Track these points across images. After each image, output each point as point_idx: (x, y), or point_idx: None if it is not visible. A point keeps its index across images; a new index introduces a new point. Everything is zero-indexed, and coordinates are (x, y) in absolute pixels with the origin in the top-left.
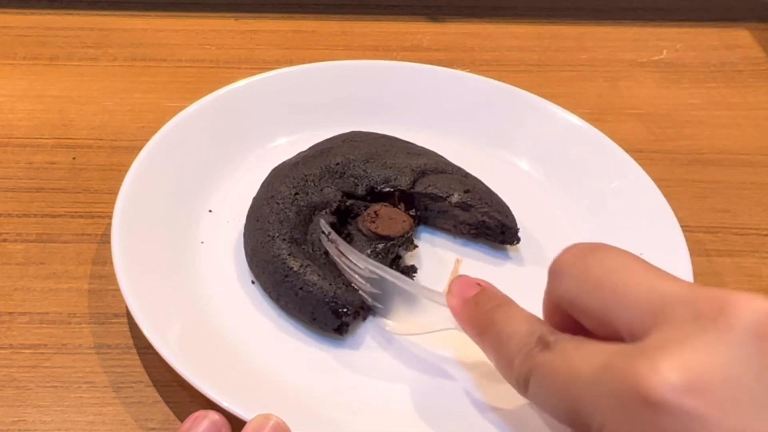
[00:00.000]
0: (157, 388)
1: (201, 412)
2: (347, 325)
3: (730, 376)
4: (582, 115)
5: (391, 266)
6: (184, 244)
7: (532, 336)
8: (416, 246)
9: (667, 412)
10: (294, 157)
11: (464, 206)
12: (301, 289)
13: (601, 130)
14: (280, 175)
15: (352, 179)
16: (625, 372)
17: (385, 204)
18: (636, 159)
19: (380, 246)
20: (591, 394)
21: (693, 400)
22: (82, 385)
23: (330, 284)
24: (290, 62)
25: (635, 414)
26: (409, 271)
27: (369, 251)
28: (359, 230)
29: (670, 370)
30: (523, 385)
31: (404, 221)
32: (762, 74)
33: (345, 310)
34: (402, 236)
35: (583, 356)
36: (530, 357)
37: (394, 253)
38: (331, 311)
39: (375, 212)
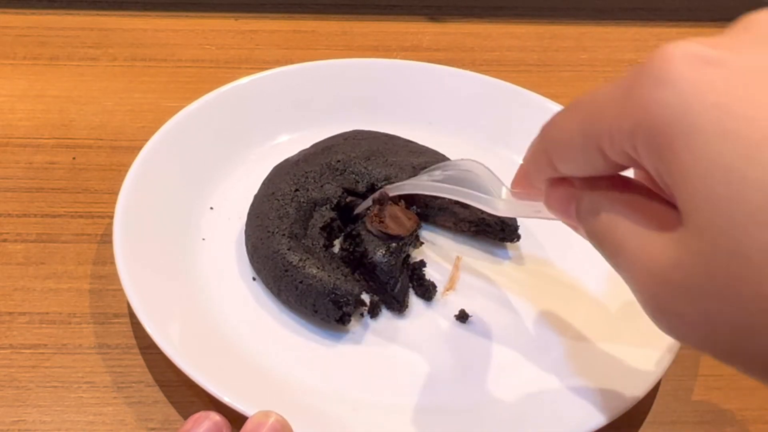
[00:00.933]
0: (157, 388)
1: (202, 413)
2: (349, 315)
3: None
4: None
5: (402, 264)
6: (185, 242)
7: None
8: (422, 243)
9: (670, 75)
10: (296, 154)
11: (464, 204)
12: (301, 282)
13: None
14: (281, 172)
15: (353, 176)
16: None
17: (389, 202)
18: None
19: (393, 245)
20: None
21: (706, 68)
22: (82, 385)
23: (329, 276)
24: (290, 62)
25: (640, 85)
26: (420, 266)
27: (383, 251)
28: (369, 231)
29: (692, 41)
30: None
31: (410, 219)
32: None
33: (345, 300)
34: (411, 234)
35: None
36: None
37: (405, 252)
38: (332, 302)
39: (380, 212)
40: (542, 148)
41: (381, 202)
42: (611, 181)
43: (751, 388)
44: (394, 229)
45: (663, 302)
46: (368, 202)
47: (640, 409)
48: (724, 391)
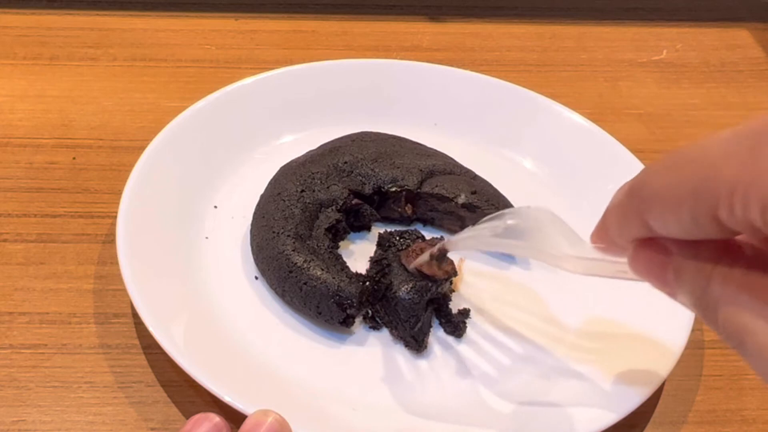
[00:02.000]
0: (157, 387)
1: (201, 415)
2: (353, 317)
3: None
4: (582, 115)
5: (426, 304)
6: (188, 240)
7: None
8: (453, 290)
9: None
10: (303, 155)
11: (471, 207)
12: (305, 284)
13: (602, 130)
14: (287, 172)
15: (360, 178)
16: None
17: (429, 243)
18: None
19: (420, 284)
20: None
21: None
22: (82, 385)
23: (334, 278)
24: (290, 62)
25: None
26: (446, 302)
27: (409, 287)
28: (401, 265)
29: None
30: None
31: (449, 263)
32: (762, 74)
33: (349, 302)
34: (446, 279)
35: None
36: None
37: (432, 293)
38: (336, 304)
39: (420, 250)
40: (633, 203)
41: (440, 258)
42: (719, 249)
43: (751, 389)
44: (430, 269)
45: None
46: (426, 256)
47: (642, 409)
48: (724, 391)
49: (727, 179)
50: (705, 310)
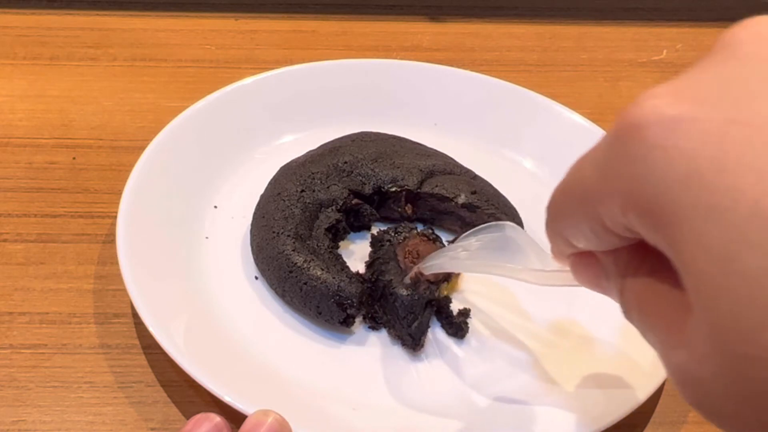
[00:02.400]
0: (157, 387)
1: (202, 415)
2: (353, 317)
3: (729, 80)
4: (582, 115)
5: (425, 304)
6: (189, 240)
7: None
8: (447, 296)
9: (642, 147)
10: (303, 155)
11: (471, 207)
12: (305, 284)
13: (602, 130)
14: (287, 172)
15: (360, 178)
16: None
17: (423, 236)
18: None
19: (419, 285)
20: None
21: (677, 129)
22: (82, 385)
23: (334, 277)
24: (290, 62)
25: (617, 151)
26: (446, 303)
27: (408, 284)
28: (397, 260)
29: (660, 94)
30: None
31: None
32: None
33: (350, 302)
34: (443, 280)
35: None
36: None
37: (429, 293)
38: (336, 304)
39: (417, 251)
40: (552, 225)
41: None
42: (632, 254)
43: None
44: (424, 275)
45: (689, 394)
46: (416, 269)
47: (642, 409)
48: None
49: (595, 195)
50: (623, 311)
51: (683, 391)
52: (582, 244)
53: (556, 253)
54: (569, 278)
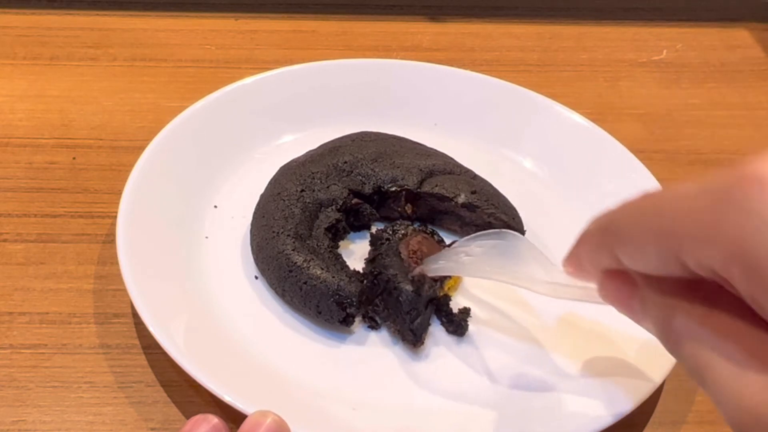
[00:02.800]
0: (157, 387)
1: (200, 416)
2: (353, 316)
3: None
4: (582, 115)
5: (427, 301)
6: (188, 240)
7: None
8: (447, 295)
9: (760, 204)
10: (302, 155)
11: (470, 207)
12: (305, 283)
13: (602, 130)
14: (287, 172)
15: (360, 178)
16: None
17: (424, 234)
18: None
19: (423, 284)
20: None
21: None
22: (82, 385)
23: (333, 277)
24: (290, 62)
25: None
26: (446, 301)
27: (412, 279)
28: (400, 256)
29: None
30: None
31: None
32: (762, 74)
33: (349, 301)
34: (445, 278)
35: None
36: None
37: (433, 292)
38: (336, 303)
39: (420, 250)
40: (605, 238)
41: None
42: (682, 284)
43: None
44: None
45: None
46: (419, 269)
47: (642, 409)
48: None
49: (691, 234)
50: (668, 341)
51: (741, 430)
52: (632, 264)
53: (577, 265)
54: (585, 294)
